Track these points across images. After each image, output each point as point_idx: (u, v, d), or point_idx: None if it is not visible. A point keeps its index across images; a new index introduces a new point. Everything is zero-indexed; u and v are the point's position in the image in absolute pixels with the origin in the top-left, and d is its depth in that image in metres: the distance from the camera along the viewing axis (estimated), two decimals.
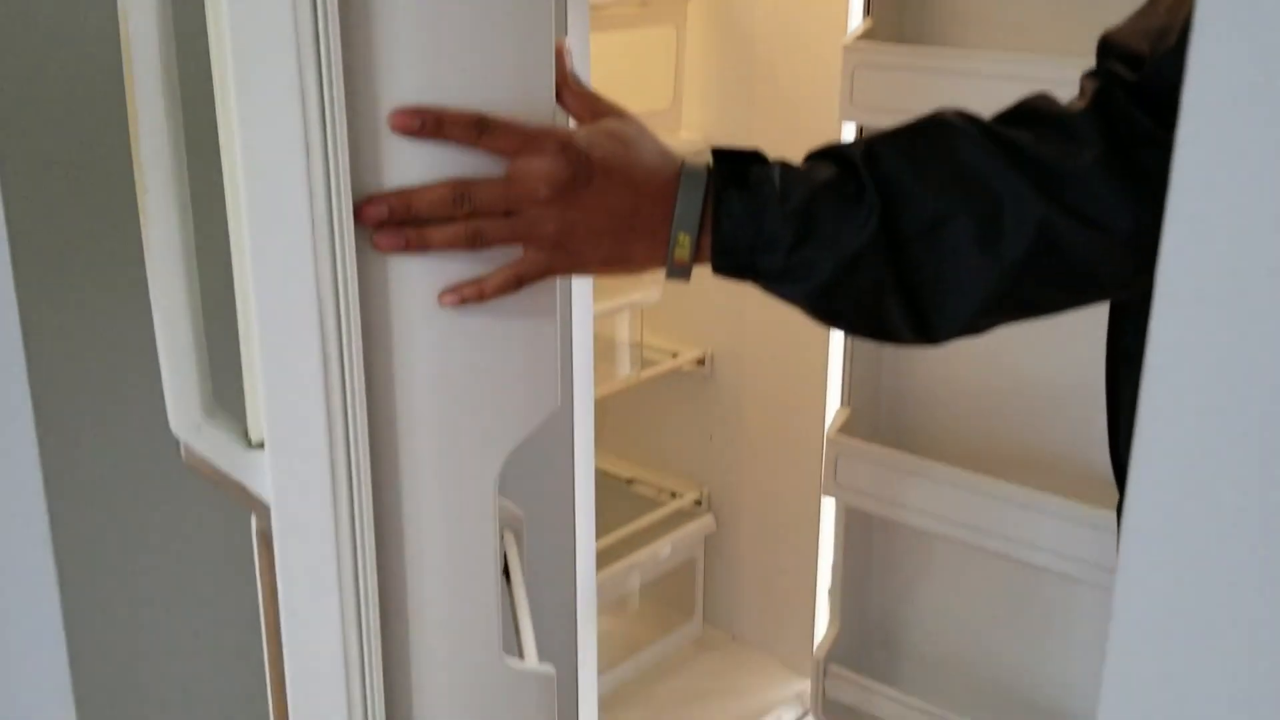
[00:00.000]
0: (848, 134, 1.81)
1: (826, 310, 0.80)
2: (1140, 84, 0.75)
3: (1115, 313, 1.01)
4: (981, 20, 1.73)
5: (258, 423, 0.74)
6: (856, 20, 1.81)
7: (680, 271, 0.79)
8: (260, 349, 0.72)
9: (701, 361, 2.19)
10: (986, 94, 1.53)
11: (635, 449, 2.34)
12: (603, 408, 1.79)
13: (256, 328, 0.72)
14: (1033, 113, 0.78)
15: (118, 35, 0.70)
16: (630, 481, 2.30)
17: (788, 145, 2.02)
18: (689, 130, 2.14)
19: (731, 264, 0.79)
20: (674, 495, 2.25)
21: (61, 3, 0.96)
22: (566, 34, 1.36)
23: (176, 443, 0.74)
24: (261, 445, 0.74)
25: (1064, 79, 1.46)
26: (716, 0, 2.06)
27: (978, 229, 0.75)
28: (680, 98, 2.12)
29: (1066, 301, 0.80)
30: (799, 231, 0.76)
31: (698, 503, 2.25)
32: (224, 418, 0.75)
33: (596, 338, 1.51)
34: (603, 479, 2.16)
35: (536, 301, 0.79)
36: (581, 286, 1.45)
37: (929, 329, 0.79)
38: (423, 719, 0.80)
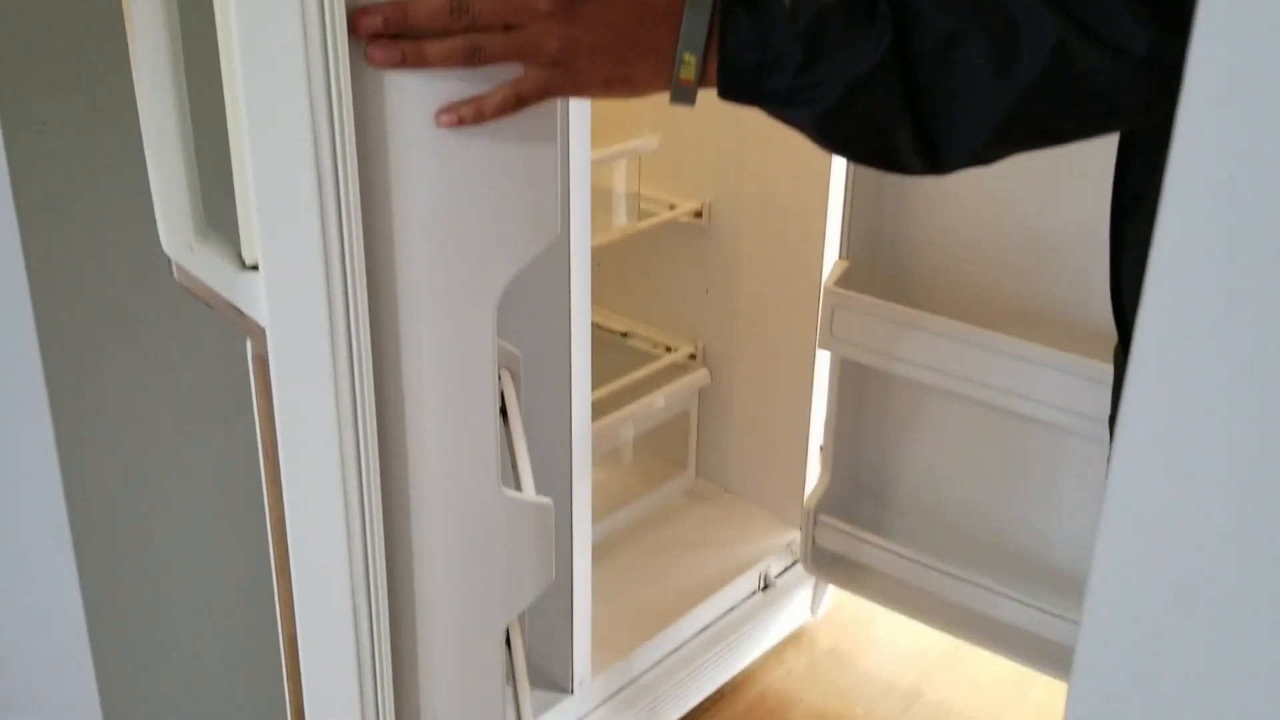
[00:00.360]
0: None
1: (834, 135, 0.78)
2: None
3: (1123, 151, 0.99)
4: None
5: (251, 244, 0.72)
6: None
7: (685, 94, 0.76)
8: (253, 167, 0.70)
9: (699, 213, 2.17)
10: None
11: (631, 303, 2.33)
12: (599, 260, 1.76)
13: (248, 145, 0.70)
14: None
15: None
16: (625, 335, 2.30)
17: None
18: None
19: (737, 86, 0.76)
20: (669, 349, 2.25)
21: None
22: None
23: (169, 262, 0.72)
24: (255, 267, 0.72)
25: None
26: None
27: (992, 51, 0.73)
28: None
29: (1080, 129, 0.78)
30: (808, 52, 0.73)
31: (692, 356, 2.25)
32: (216, 239, 0.73)
33: (593, 187, 1.49)
34: (598, 332, 2.15)
35: (536, 125, 0.77)
36: (579, 131, 1.42)
37: (938, 156, 0.77)
38: (422, 546, 0.81)
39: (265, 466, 0.77)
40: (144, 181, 0.70)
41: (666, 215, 2.14)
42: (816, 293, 1.94)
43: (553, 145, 0.78)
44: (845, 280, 1.88)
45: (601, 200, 2.06)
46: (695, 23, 0.74)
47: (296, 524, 0.77)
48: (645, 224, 2.12)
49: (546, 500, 0.84)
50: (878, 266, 1.90)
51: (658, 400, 2.11)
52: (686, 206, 2.16)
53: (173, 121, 0.69)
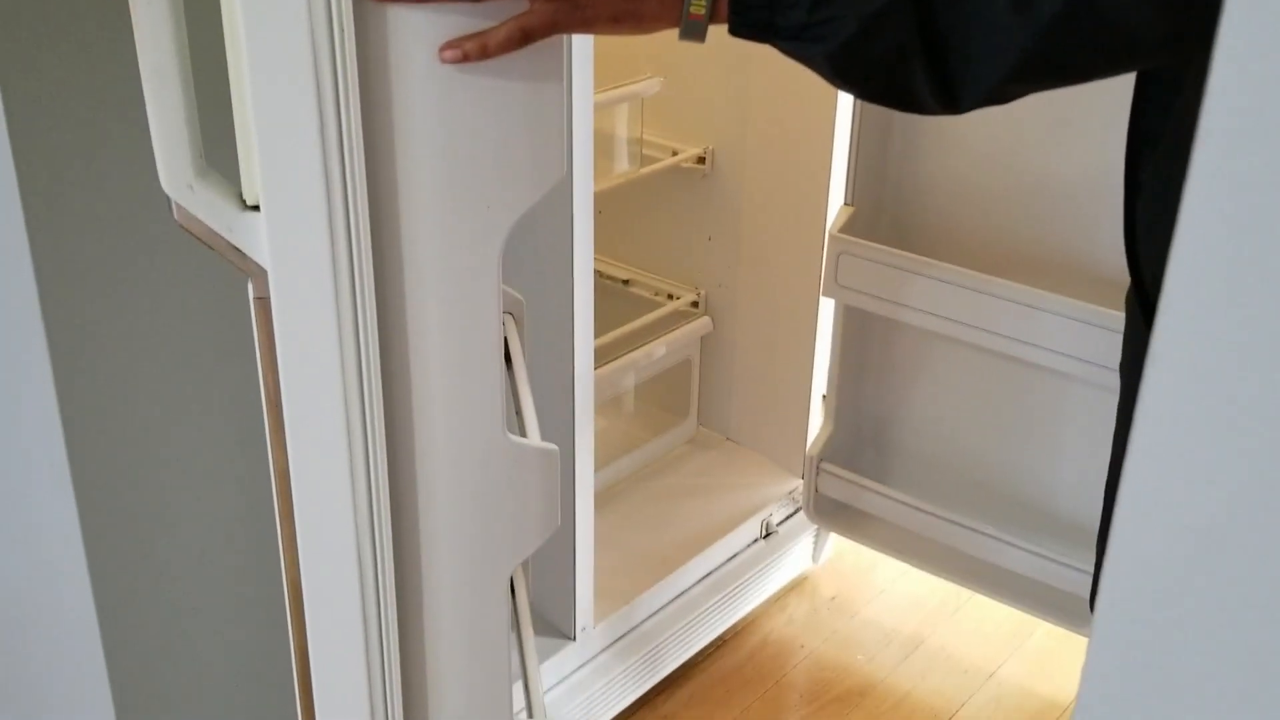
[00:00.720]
0: None
1: (847, 72, 0.76)
2: None
3: (1138, 92, 0.97)
4: None
5: (252, 184, 0.71)
6: None
7: (694, 29, 0.75)
8: (253, 106, 0.68)
9: (702, 159, 2.14)
10: None
11: (633, 250, 2.31)
12: (600, 206, 1.74)
13: (249, 83, 0.68)
14: None
15: None
16: (627, 283, 2.29)
17: None
18: None
19: (749, 21, 0.74)
20: (671, 297, 2.23)
21: None
22: None
23: (168, 201, 0.71)
24: (257, 207, 0.71)
25: None
26: None
27: None
28: None
29: (1098, 67, 0.76)
30: None
31: (694, 304, 2.23)
32: (217, 178, 0.71)
33: (595, 132, 1.47)
34: (600, 280, 2.13)
35: (542, 63, 0.75)
36: (581, 73, 1.40)
37: (954, 94, 0.75)
38: (427, 491, 0.80)
39: (268, 411, 0.76)
40: (142, 123, 0.68)
41: (669, 161, 2.12)
42: (821, 239, 1.92)
43: (558, 84, 0.77)
44: (850, 227, 1.86)
45: (603, 145, 2.03)
46: None
47: (300, 469, 0.76)
48: (648, 170, 2.10)
49: (552, 446, 0.83)
50: (883, 212, 1.88)
51: (659, 348, 2.10)
52: (689, 152, 2.13)
53: (171, 58, 0.67)
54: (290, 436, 0.76)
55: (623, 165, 2.09)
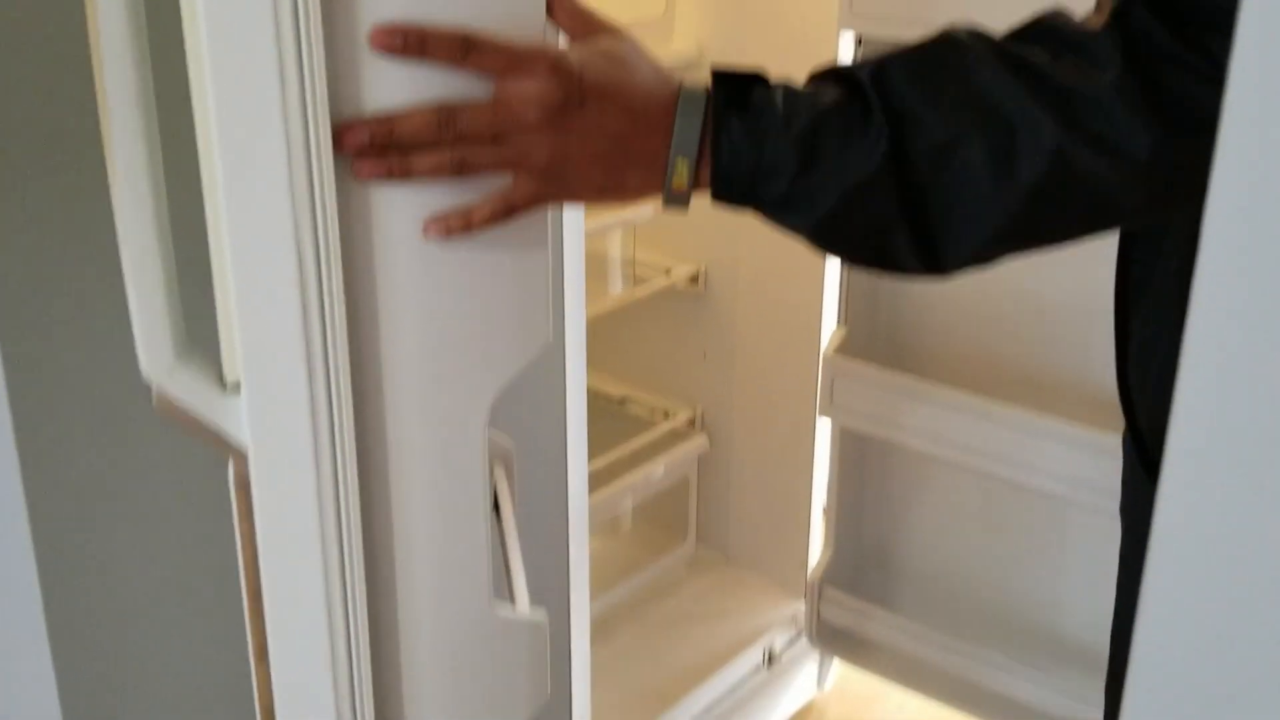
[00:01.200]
0: (846, 42, 1.75)
1: (831, 241, 0.76)
2: (1161, 1, 0.70)
3: (1125, 241, 0.97)
4: None
5: (233, 363, 0.70)
6: None
7: (678, 200, 0.75)
8: (235, 284, 0.68)
9: (695, 279, 2.15)
10: (994, 4, 1.47)
11: (628, 367, 2.31)
12: (594, 326, 1.74)
13: (230, 262, 0.68)
14: (1048, 31, 0.73)
15: None
16: (623, 401, 2.28)
17: (784, 53, 1.95)
18: (681, 40, 2.07)
19: (732, 192, 0.74)
20: (667, 415, 2.22)
21: None
22: None
23: (148, 389, 0.70)
24: (237, 387, 0.70)
25: None
26: None
27: (991, 154, 0.71)
28: (673, 6, 2.05)
29: (1080, 231, 0.76)
30: (803, 158, 0.72)
31: (691, 422, 2.22)
32: (197, 359, 0.71)
33: (587, 255, 1.47)
34: (595, 398, 2.12)
35: (527, 232, 0.75)
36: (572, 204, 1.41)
37: (938, 260, 0.75)
38: (410, 667, 0.78)
39: (247, 590, 0.74)
40: (121, 305, 0.68)
41: (663, 282, 2.13)
42: (816, 357, 1.92)
43: (544, 250, 0.76)
44: (845, 347, 1.86)
45: (596, 267, 2.04)
46: (687, 129, 0.73)
47: (279, 649, 0.74)
48: (641, 291, 2.10)
49: (540, 616, 0.81)
50: (878, 332, 1.88)
51: (657, 469, 2.08)
52: (682, 272, 2.14)
53: (153, 242, 0.67)
54: (269, 614, 0.74)
55: (616, 287, 2.10)
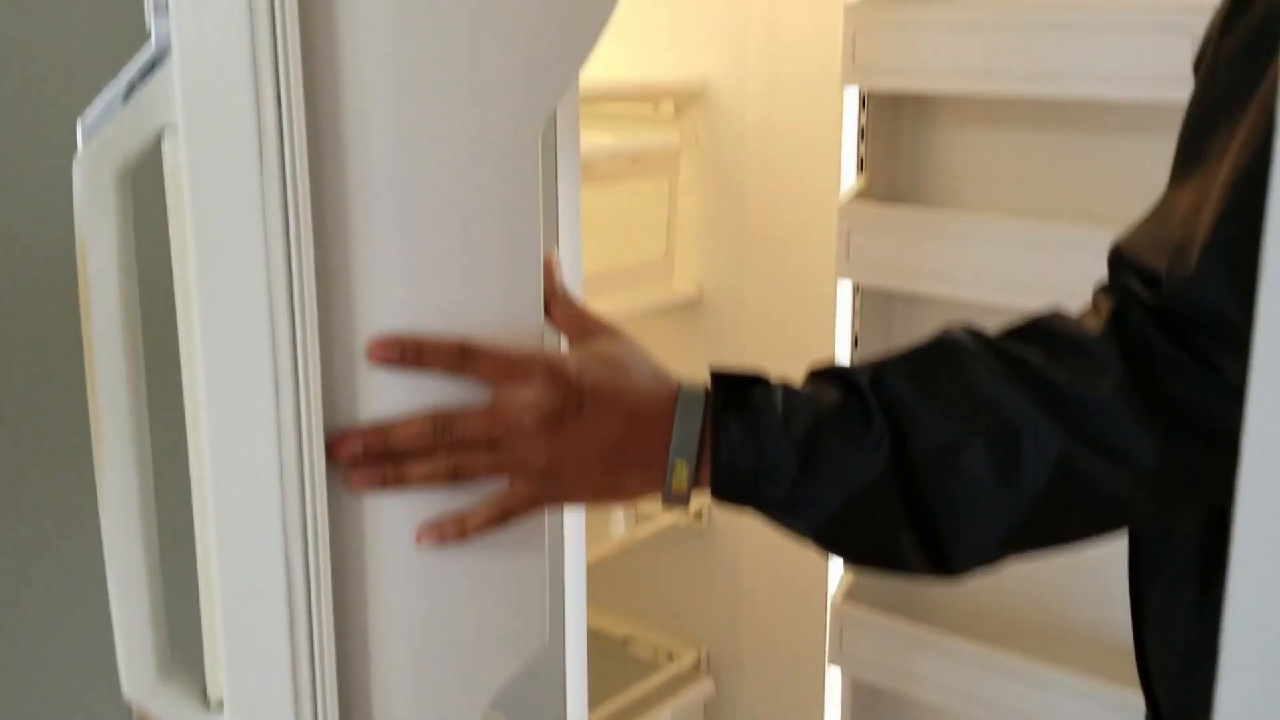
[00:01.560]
0: (844, 292, 1.77)
1: (836, 544, 0.74)
2: (1159, 306, 0.70)
3: (1134, 531, 0.95)
4: (976, 175, 1.71)
5: (217, 680, 0.67)
6: (848, 172, 1.78)
7: (678, 499, 0.73)
8: (221, 601, 0.66)
9: (699, 516, 2.13)
10: (984, 258, 1.49)
11: (630, 605, 2.26)
12: (594, 571, 1.71)
13: (217, 578, 0.66)
14: (1047, 332, 0.73)
15: (73, 263, 0.65)
16: (625, 642, 2.22)
17: (782, 295, 1.96)
18: (682, 280, 2.10)
19: (732, 492, 0.73)
20: (671, 657, 2.16)
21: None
22: (557, 189, 1.32)
23: (127, 710, 0.67)
24: (221, 706, 0.67)
25: (1061, 242, 1.43)
26: (708, 155, 2.04)
27: (994, 459, 0.70)
28: (673, 248, 2.09)
29: (1090, 533, 0.74)
30: (803, 462, 0.71)
31: (696, 665, 2.16)
32: (180, 678, 0.68)
33: None
34: (596, 638, 2.06)
35: (523, 535, 0.73)
36: None
37: (946, 562, 0.73)
38: None
39: None
40: (104, 622, 0.66)
41: (665, 520, 2.10)
42: (824, 600, 1.87)
43: (540, 553, 0.75)
44: (853, 592, 1.82)
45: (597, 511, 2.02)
46: (687, 431, 0.72)
47: None
48: (644, 530, 2.08)
49: None
50: (884, 578, 1.84)
51: (662, 717, 2.01)
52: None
53: (140, 563, 0.65)
54: None
55: (618, 528, 2.07)
